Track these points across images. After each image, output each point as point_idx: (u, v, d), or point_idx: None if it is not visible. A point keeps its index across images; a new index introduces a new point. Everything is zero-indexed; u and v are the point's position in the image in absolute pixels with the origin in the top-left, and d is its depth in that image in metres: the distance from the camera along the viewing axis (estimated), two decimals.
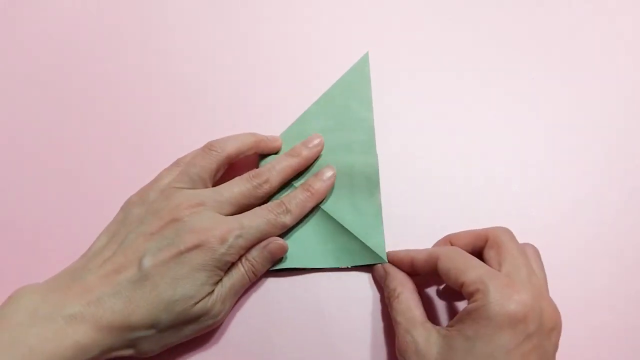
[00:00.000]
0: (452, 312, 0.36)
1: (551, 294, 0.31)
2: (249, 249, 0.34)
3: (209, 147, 0.36)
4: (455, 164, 0.41)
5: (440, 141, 0.42)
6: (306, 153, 0.38)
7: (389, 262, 0.36)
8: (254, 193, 0.36)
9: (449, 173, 0.41)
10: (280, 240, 0.35)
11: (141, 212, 0.34)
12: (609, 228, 0.39)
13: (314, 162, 0.39)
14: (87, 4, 0.46)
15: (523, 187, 0.40)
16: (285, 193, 0.38)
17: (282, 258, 0.37)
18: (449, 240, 0.35)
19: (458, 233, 0.35)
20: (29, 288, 0.31)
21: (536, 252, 0.33)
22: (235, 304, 0.36)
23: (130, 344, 0.31)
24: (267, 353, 0.36)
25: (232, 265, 0.34)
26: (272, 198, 0.38)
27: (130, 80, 0.43)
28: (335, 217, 0.37)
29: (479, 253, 0.33)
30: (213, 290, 0.33)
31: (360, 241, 0.37)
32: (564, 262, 0.38)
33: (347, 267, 0.37)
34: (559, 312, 0.30)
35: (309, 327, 0.36)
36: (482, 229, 0.34)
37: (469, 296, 0.29)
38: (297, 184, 0.38)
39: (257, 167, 0.39)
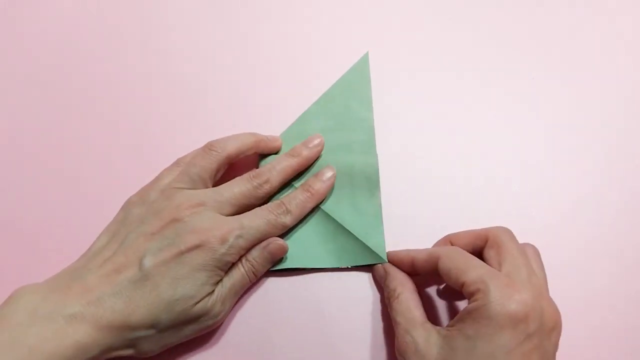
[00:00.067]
0: (453, 312, 0.36)
1: (551, 294, 0.31)
2: (249, 249, 0.34)
3: (209, 147, 0.36)
4: (455, 164, 0.41)
5: (440, 141, 0.42)
6: (306, 153, 0.38)
7: (389, 262, 0.36)
8: (255, 193, 0.36)
9: (449, 173, 0.41)
10: (280, 241, 0.35)
11: (141, 212, 0.34)
12: (609, 228, 0.39)
13: (314, 162, 0.39)
14: (87, 4, 0.46)
15: (523, 187, 0.40)
16: (286, 193, 0.38)
17: (282, 258, 0.37)
18: (449, 240, 0.35)
19: (458, 233, 0.35)
20: (28, 288, 0.31)
21: (536, 252, 0.33)
22: (235, 304, 0.36)
23: (130, 344, 0.31)
24: (267, 353, 0.36)
25: (233, 265, 0.34)
26: (272, 198, 0.38)
27: (130, 80, 0.43)
28: (335, 217, 0.37)
29: (479, 253, 0.33)
30: (213, 291, 0.33)
31: (361, 241, 0.37)
32: (564, 262, 0.38)
33: (347, 267, 0.37)
34: (559, 312, 0.30)
35: (309, 327, 0.36)
36: (482, 229, 0.34)
37: (469, 296, 0.29)
38: (297, 184, 0.38)
39: (257, 167, 0.39)
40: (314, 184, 0.37)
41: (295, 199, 0.36)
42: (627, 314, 0.37)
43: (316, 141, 0.39)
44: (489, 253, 0.32)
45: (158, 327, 0.31)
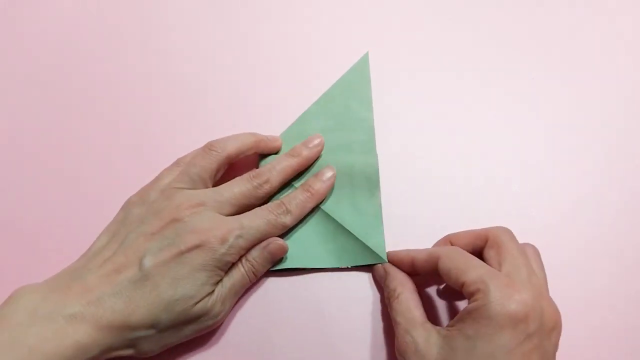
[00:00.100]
0: (453, 312, 0.36)
1: (551, 294, 0.31)
2: (249, 249, 0.34)
3: (209, 147, 0.36)
4: (455, 164, 0.41)
5: (440, 141, 0.42)
6: (306, 153, 0.38)
7: (389, 262, 0.36)
8: (255, 193, 0.36)
9: (449, 173, 0.41)
10: (280, 241, 0.35)
11: (141, 212, 0.34)
12: (609, 228, 0.39)
13: (314, 162, 0.39)
14: (87, 4, 0.46)
15: (523, 187, 0.40)
16: (285, 193, 0.38)
17: (282, 258, 0.37)
18: (449, 240, 0.35)
19: (458, 233, 0.35)
20: (28, 288, 0.31)
21: (536, 252, 0.33)
22: (235, 304, 0.36)
23: (130, 344, 0.31)
24: (267, 353, 0.36)
25: (233, 265, 0.34)
26: (272, 198, 0.38)
27: (130, 80, 0.43)
28: (335, 217, 0.37)
29: (479, 253, 0.33)
30: (213, 291, 0.33)
31: (361, 241, 0.37)
32: (564, 262, 0.38)
33: (347, 267, 0.37)
34: (559, 312, 0.30)
35: (309, 327, 0.36)
36: (482, 229, 0.34)
37: (469, 296, 0.29)
38: (297, 184, 0.38)
39: (257, 167, 0.39)
40: (314, 184, 0.37)
41: (295, 199, 0.36)
42: (627, 314, 0.37)
43: (316, 141, 0.39)
44: (489, 253, 0.32)
45: (158, 327, 0.31)
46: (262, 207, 0.36)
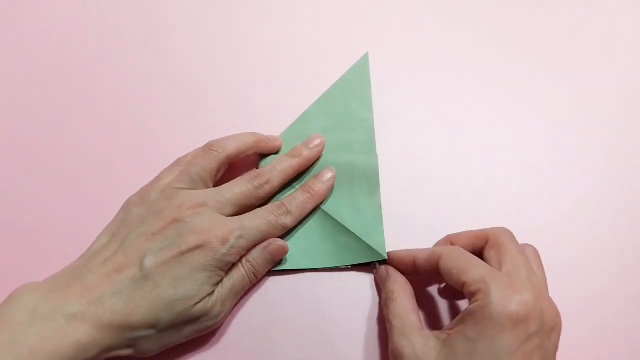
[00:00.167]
0: (452, 314, 0.36)
1: (551, 294, 0.31)
2: (249, 250, 0.34)
3: (209, 147, 0.36)
4: (455, 164, 0.41)
5: (440, 141, 0.42)
6: (307, 153, 0.38)
7: (390, 262, 0.36)
8: (255, 194, 0.36)
9: (449, 173, 0.41)
10: (280, 242, 0.35)
11: (142, 212, 0.34)
12: (609, 228, 0.39)
13: (314, 162, 0.39)
14: (87, 4, 0.46)
15: (523, 187, 0.40)
16: (286, 194, 0.38)
17: (283, 259, 0.37)
18: (450, 241, 0.35)
19: (458, 233, 0.35)
20: (29, 287, 0.31)
21: (536, 252, 0.33)
22: (236, 304, 0.36)
23: (130, 344, 0.31)
24: (267, 353, 0.36)
25: (233, 266, 0.34)
26: (272, 199, 0.38)
27: (130, 80, 0.43)
28: (336, 217, 0.37)
29: (479, 253, 0.33)
30: (213, 291, 0.33)
31: (361, 240, 0.37)
32: (564, 262, 0.38)
33: (347, 267, 0.37)
34: (559, 312, 0.30)
35: (309, 327, 0.36)
36: (483, 230, 0.34)
37: (470, 296, 0.29)
38: (297, 184, 0.38)
39: (257, 167, 0.39)
40: (314, 185, 0.37)
41: (296, 199, 0.36)
42: (627, 314, 0.37)
43: (317, 141, 0.39)
44: (489, 253, 0.32)
45: (158, 327, 0.31)
46: (263, 207, 0.36)
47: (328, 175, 0.38)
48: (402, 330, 0.31)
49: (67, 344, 0.28)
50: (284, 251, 0.36)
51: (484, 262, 0.31)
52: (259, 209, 0.36)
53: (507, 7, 0.46)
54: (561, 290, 0.33)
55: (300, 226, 0.38)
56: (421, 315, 0.36)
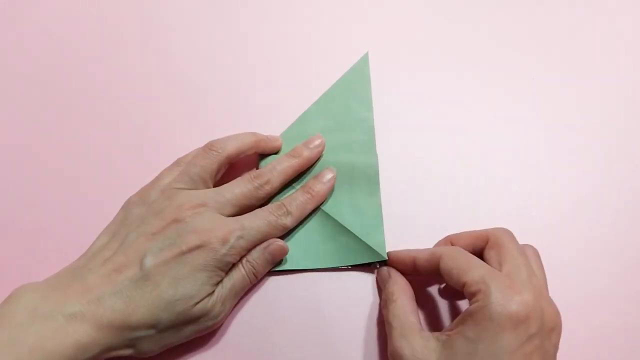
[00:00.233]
0: (453, 315, 0.36)
1: (551, 294, 0.31)
2: (249, 250, 0.34)
3: (209, 147, 0.36)
4: (455, 164, 0.41)
5: (440, 141, 0.42)
6: (307, 154, 0.38)
7: (390, 262, 0.36)
8: (255, 194, 0.36)
9: (449, 173, 0.41)
10: (280, 242, 0.35)
11: (142, 211, 0.34)
12: (609, 228, 0.39)
13: (314, 162, 0.39)
14: (87, 4, 0.46)
15: (523, 187, 0.40)
16: (286, 194, 0.38)
17: (283, 259, 0.37)
18: (450, 241, 0.35)
19: (459, 234, 0.35)
20: (29, 287, 0.31)
21: (536, 253, 0.33)
22: (236, 304, 0.36)
23: (130, 344, 0.31)
24: (267, 353, 0.35)
25: (233, 266, 0.34)
26: (272, 199, 0.38)
27: (130, 80, 0.43)
28: (336, 217, 0.37)
29: (479, 254, 0.33)
30: (213, 291, 0.33)
31: (361, 240, 0.37)
32: (564, 262, 0.38)
33: (347, 267, 0.37)
34: (559, 313, 0.30)
35: (309, 327, 0.36)
36: (483, 230, 0.34)
37: (470, 296, 0.29)
38: (297, 185, 0.38)
39: (257, 167, 0.39)
40: (314, 186, 0.37)
41: (296, 200, 0.36)
42: (627, 314, 0.37)
43: (317, 142, 0.39)
44: (489, 254, 0.32)
45: (158, 327, 0.31)
46: (263, 208, 0.36)
47: (328, 175, 0.38)
48: (401, 331, 0.31)
49: (67, 343, 0.28)
50: (284, 251, 0.36)
51: (484, 263, 0.31)
52: (259, 209, 0.36)
53: (507, 7, 0.46)
54: (561, 290, 0.33)
55: (300, 226, 0.38)
56: (421, 315, 0.36)
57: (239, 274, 0.34)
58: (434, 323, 0.36)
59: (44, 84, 0.43)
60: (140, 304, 0.30)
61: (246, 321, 0.36)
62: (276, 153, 0.40)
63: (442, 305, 0.37)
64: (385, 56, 0.44)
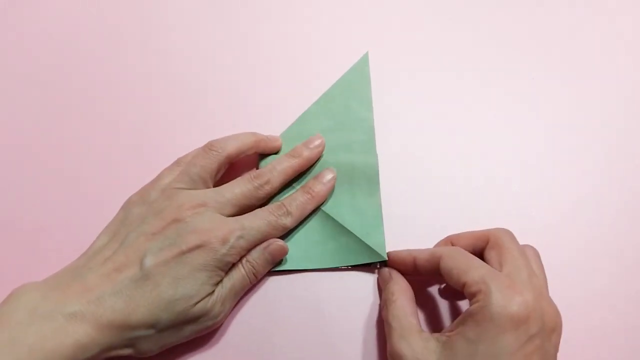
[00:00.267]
0: (453, 315, 0.36)
1: (551, 294, 0.31)
2: (249, 250, 0.34)
3: (209, 147, 0.36)
4: (455, 164, 0.41)
5: (440, 141, 0.42)
6: (307, 154, 0.38)
7: (390, 262, 0.36)
8: (255, 194, 0.36)
9: (449, 173, 0.41)
10: (280, 242, 0.35)
11: (142, 211, 0.34)
12: (609, 228, 0.39)
13: (314, 162, 0.39)
14: (87, 4, 0.46)
15: (523, 187, 0.40)
16: (286, 194, 0.38)
17: (283, 259, 0.37)
18: (450, 241, 0.35)
19: (459, 234, 0.35)
20: (29, 286, 0.31)
21: (536, 253, 0.33)
22: (236, 304, 0.36)
23: (130, 343, 0.31)
24: (267, 353, 0.35)
25: (233, 266, 0.34)
26: (272, 199, 0.38)
27: (130, 80, 0.43)
28: (336, 218, 0.37)
29: (479, 254, 0.33)
30: (213, 291, 0.33)
31: (361, 240, 0.37)
32: (564, 262, 0.38)
33: (347, 267, 0.37)
34: (560, 313, 0.30)
35: (309, 327, 0.36)
36: (483, 230, 0.34)
37: (470, 296, 0.29)
38: (297, 185, 0.38)
39: (257, 167, 0.39)
40: (314, 186, 0.37)
41: (296, 200, 0.36)
42: (627, 314, 0.37)
43: (317, 142, 0.39)
44: (489, 254, 0.32)
45: (158, 327, 0.31)
46: (263, 208, 0.36)
47: (328, 176, 0.38)
48: (401, 332, 0.31)
49: (67, 343, 0.28)
50: (284, 251, 0.36)
51: (485, 263, 0.31)
52: (259, 209, 0.36)
53: (507, 7, 0.46)
54: (561, 290, 0.33)
55: (300, 226, 0.38)
56: (421, 316, 0.36)
57: (238, 274, 0.34)
58: (434, 323, 0.36)
59: (44, 84, 0.43)
60: (140, 304, 0.30)
61: (246, 321, 0.36)
62: (276, 153, 0.40)
63: (442, 305, 0.37)
64: (385, 56, 0.44)
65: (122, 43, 0.45)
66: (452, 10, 0.46)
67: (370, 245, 0.36)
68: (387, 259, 0.36)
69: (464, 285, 0.30)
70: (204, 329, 0.33)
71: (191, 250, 0.32)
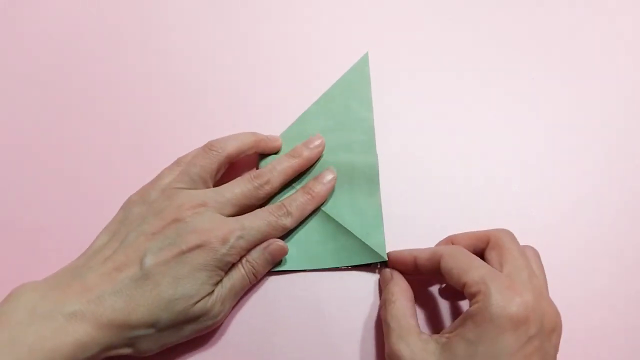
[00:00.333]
0: (453, 316, 0.36)
1: (551, 294, 0.31)
2: (249, 250, 0.34)
3: (209, 147, 0.36)
4: (455, 164, 0.41)
5: (440, 141, 0.42)
6: (307, 154, 0.38)
7: (391, 261, 0.36)
8: (255, 194, 0.36)
9: (449, 173, 0.41)
10: (280, 242, 0.35)
11: (142, 211, 0.34)
12: (609, 228, 0.39)
13: (314, 162, 0.39)
14: (87, 4, 0.46)
15: (523, 187, 0.40)
16: (286, 194, 0.38)
17: (283, 260, 0.37)
18: (451, 242, 0.35)
19: (459, 234, 0.35)
20: (28, 286, 0.31)
21: (536, 254, 0.33)
22: (236, 304, 0.36)
23: (130, 343, 0.31)
24: (267, 353, 0.35)
25: (233, 266, 0.34)
26: (272, 199, 0.38)
27: (130, 80, 0.43)
28: (336, 218, 0.37)
29: (480, 254, 0.33)
30: (213, 291, 0.33)
31: (361, 241, 0.37)
32: (564, 262, 0.38)
33: (347, 267, 0.37)
34: (560, 314, 0.30)
35: (309, 327, 0.36)
36: (484, 231, 0.34)
37: (470, 297, 0.29)
38: (297, 185, 0.38)
39: (257, 167, 0.39)
40: (314, 187, 0.37)
41: (296, 201, 0.36)
42: (627, 314, 0.37)
43: (317, 142, 0.39)
44: (490, 254, 0.32)
45: (157, 326, 0.31)
46: (263, 208, 0.36)
47: (329, 177, 0.38)
48: (400, 333, 0.31)
49: (67, 342, 0.28)
50: (284, 252, 0.36)
51: (485, 263, 0.31)
52: (259, 209, 0.36)
53: (507, 7, 0.46)
54: (561, 290, 0.33)
55: (300, 227, 0.38)
56: (421, 316, 0.36)
57: (238, 274, 0.34)
58: (434, 324, 0.36)
59: (44, 84, 0.43)
60: (140, 303, 0.30)
61: (246, 321, 0.36)
62: (276, 153, 0.40)
63: (442, 306, 0.37)
64: (385, 56, 0.44)
65: (122, 43, 0.45)
66: (452, 10, 0.46)
67: (370, 245, 0.36)
68: (387, 259, 0.36)
69: (464, 285, 0.30)
70: (204, 328, 0.33)
71: (191, 250, 0.32)
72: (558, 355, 0.30)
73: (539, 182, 0.40)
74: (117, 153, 0.41)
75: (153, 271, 0.31)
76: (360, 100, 0.42)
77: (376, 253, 0.36)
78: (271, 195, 0.37)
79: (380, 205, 0.38)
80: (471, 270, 0.30)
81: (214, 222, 0.33)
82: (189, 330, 0.33)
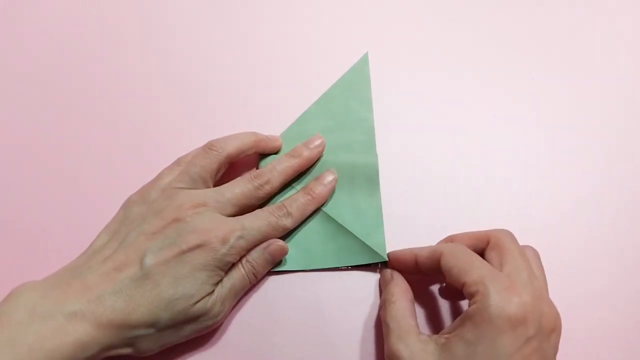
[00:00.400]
0: (453, 316, 0.36)
1: (551, 294, 0.31)
2: (249, 250, 0.34)
3: (209, 147, 0.36)
4: (455, 164, 0.41)
5: (440, 141, 0.42)
6: (307, 154, 0.38)
7: (391, 261, 0.36)
8: (255, 194, 0.36)
9: (449, 173, 0.41)
10: (280, 242, 0.35)
11: (142, 211, 0.34)
12: (609, 228, 0.39)
13: (314, 162, 0.39)
14: (87, 4, 0.46)
15: (523, 187, 0.40)
16: (286, 194, 0.38)
17: (283, 260, 0.37)
18: (451, 241, 0.35)
19: (459, 234, 0.35)
20: (28, 285, 0.31)
21: (536, 254, 0.33)
22: (236, 304, 0.36)
23: (129, 342, 0.31)
24: (267, 353, 0.35)
25: (233, 266, 0.34)
26: (272, 198, 0.38)
27: (130, 80, 0.43)
28: (336, 218, 0.37)
29: (480, 255, 0.33)
30: (213, 291, 0.33)
31: (361, 241, 0.37)
32: (564, 262, 0.38)
33: (347, 267, 0.37)
34: (559, 314, 0.30)
35: (309, 327, 0.36)
36: (484, 231, 0.34)
37: (469, 297, 0.29)
38: (297, 185, 0.38)
39: (257, 167, 0.39)
40: (315, 188, 0.37)
41: (296, 201, 0.36)
42: (627, 314, 0.37)
43: (317, 142, 0.39)
44: (490, 255, 0.32)
45: (157, 326, 0.31)
46: (263, 208, 0.36)
47: (329, 177, 0.38)
48: (399, 333, 0.31)
49: (67, 342, 0.28)
50: (284, 252, 0.36)
51: (485, 262, 0.31)
52: (259, 209, 0.36)
53: (507, 7, 0.46)
54: (561, 290, 0.33)
55: (300, 227, 0.38)
56: (421, 316, 0.36)
57: (238, 274, 0.34)
58: (433, 324, 0.36)
59: (44, 84, 0.43)
60: (140, 303, 0.31)
61: (246, 321, 0.36)
62: (276, 153, 0.40)
63: (442, 306, 0.37)
64: (385, 56, 0.44)
65: (122, 43, 0.45)
66: (452, 10, 0.46)
67: (371, 245, 0.36)
68: (387, 259, 0.36)
69: (463, 284, 0.30)
70: (204, 328, 0.33)
71: (191, 249, 0.32)
72: (558, 355, 0.30)
73: (539, 182, 0.40)
74: (117, 153, 0.41)
75: (153, 271, 0.31)
76: (360, 100, 0.42)
77: (376, 253, 0.36)
78: (271, 195, 0.37)
79: (380, 205, 0.38)
80: (471, 270, 0.30)
81: (214, 222, 0.33)
82: (189, 330, 0.33)
